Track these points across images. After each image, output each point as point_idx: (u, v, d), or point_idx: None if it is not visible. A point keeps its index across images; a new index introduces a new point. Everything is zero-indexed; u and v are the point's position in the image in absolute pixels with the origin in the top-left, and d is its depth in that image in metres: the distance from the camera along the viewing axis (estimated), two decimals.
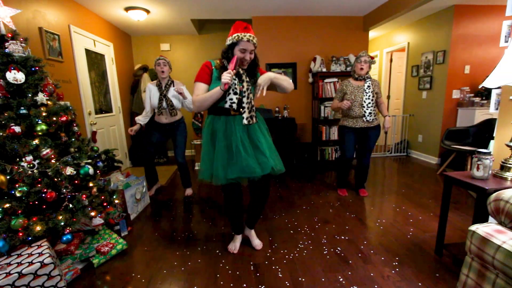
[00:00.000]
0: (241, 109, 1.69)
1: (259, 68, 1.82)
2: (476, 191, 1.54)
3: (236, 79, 1.66)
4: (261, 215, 2.04)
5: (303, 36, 4.29)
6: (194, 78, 1.75)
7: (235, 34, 1.60)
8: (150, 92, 2.84)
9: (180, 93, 2.68)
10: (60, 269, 1.56)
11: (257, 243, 2.02)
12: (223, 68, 1.68)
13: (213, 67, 1.71)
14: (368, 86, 2.69)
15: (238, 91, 1.66)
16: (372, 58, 2.72)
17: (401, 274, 1.67)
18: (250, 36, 1.59)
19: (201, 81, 1.69)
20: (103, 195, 1.98)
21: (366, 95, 2.67)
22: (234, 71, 1.56)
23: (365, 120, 2.71)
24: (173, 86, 2.83)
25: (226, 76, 1.52)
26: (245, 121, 1.68)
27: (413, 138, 4.84)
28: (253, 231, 2.06)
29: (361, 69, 2.67)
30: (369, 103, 2.67)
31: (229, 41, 1.64)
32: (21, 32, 1.82)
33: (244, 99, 1.68)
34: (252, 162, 1.66)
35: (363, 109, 2.69)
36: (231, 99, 1.65)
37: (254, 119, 1.73)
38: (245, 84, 1.68)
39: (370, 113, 2.68)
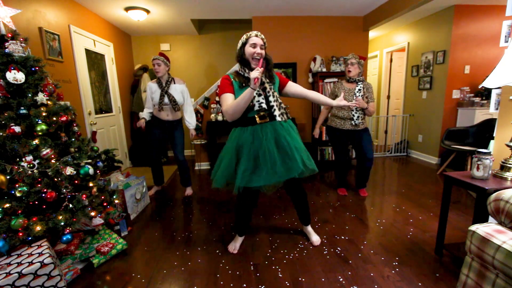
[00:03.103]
0: (271, 110, 1.70)
1: (273, 70, 1.85)
2: (476, 191, 1.54)
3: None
4: (308, 210, 2.06)
5: (303, 36, 4.29)
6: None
7: (244, 35, 1.70)
8: (150, 90, 2.85)
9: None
10: (60, 269, 1.56)
11: (314, 239, 2.05)
12: (240, 76, 1.72)
13: (232, 79, 1.73)
14: (359, 90, 2.69)
15: (261, 92, 1.69)
16: (361, 58, 2.73)
17: (401, 274, 1.67)
18: (257, 32, 1.68)
19: (227, 92, 1.68)
20: (103, 195, 1.98)
21: (356, 98, 2.67)
22: (262, 68, 1.54)
23: (352, 123, 2.73)
24: (174, 83, 2.87)
25: (255, 72, 1.49)
26: (278, 118, 1.71)
27: (413, 138, 4.84)
28: (309, 227, 2.10)
29: (349, 71, 2.70)
30: (357, 107, 2.66)
31: (239, 44, 1.72)
32: (21, 32, 1.82)
33: (271, 98, 1.70)
34: (278, 169, 1.65)
35: (351, 112, 2.71)
36: (258, 101, 1.67)
37: (285, 116, 1.75)
38: (266, 85, 1.71)
39: (358, 116, 2.70)
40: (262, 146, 1.67)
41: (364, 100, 2.69)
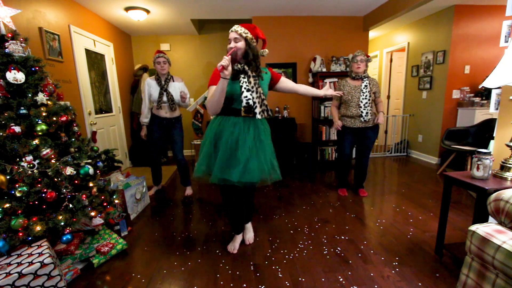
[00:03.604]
0: (254, 105, 1.68)
1: (268, 69, 1.86)
2: (476, 191, 1.54)
3: (245, 77, 1.67)
4: (252, 210, 2.13)
5: (303, 36, 4.28)
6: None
7: None
8: (149, 87, 2.84)
9: (183, 97, 2.83)
10: (60, 269, 1.56)
11: (248, 236, 2.09)
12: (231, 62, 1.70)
13: None
14: (366, 86, 2.69)
15: (249, 88, 1.67)
16: (368, 56, 2.74)
17: (401, 274, 1.67)
18: (234, 27, 1.67)
19: (213, 84, 1.67)
20: (103, 195, 1.98)
21: (363, 95, 2.68)
22: (229, 56, 1.53)
23: (362, 120, 2.71)
24: (173, 81, 2.87)
25: (222, 60, 1.49)
26: (258, 116, 1.68)
27: (413, 138, 4.84)
28: (249, 224, 2.14)
29: (358, 67, 2.69)
30: (366, 103, 2.67)
31: None
32: (21, 32, 1.82)
33: (254, 94, 1.67)
34: (254, 167, 1.66)
35: (360, 109, 2.70)
36: (245, 96, 1.65)
37: (266, 113, 1.73)
38: (252, 79, 1.68)
39: (367, 113, 2.68)
40: (241, 138, 1.67)
41: (372, 96, 2.71)
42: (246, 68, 1.68)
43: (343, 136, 2.86)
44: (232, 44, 1.65)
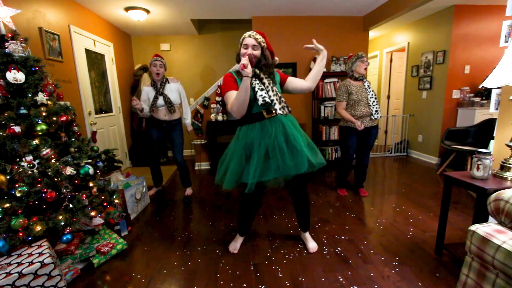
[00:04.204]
0: (273, 102, 1.68)
1: (275, 68, 1.84)
2: (476, 191, 1.54)
3: (256, 79, 1.68)
4: (308, 216, 2.00)
5: (303, 36, 4.28)
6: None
7: (242, 35, 1.71)
8: (147, 95, 2.85)
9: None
10: (60, 269, 1.56)
11: (311, 246, 1.98)
12: (240, 74, 1.70)
13: (236, 77, 1.73)
14: (368, 86, 2.74)
15: (263, 87, 1.67)
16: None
17: (401, 274, 1.67)
18: (252, 32, 1.67)
19: (230, 89, 1.67)
20: (103, 195, 1.98)
21: (370, 93, 2.70)
22: (247, 57, 1.56)
23: (372, 118, 2.71)
24: (168, 83, 2.88)
25: (242, 60, 1.52)
26: (279, 111, 1.68)
27: (413, 138, 4.84)
28: (307, 234, 2.04)
29: (365, 68, 2.72)
30: (373, 101, 2.70)
31: (239, 44, 1.74)
32: (21, 32, 1.82)
33: (270, 93, 1.68)
34: (288, 162, 1.65)
35: (369, 108, 2.69)
36: (261, 95, 1.65)
37: (286, 109, 1.73)
38: (265, 81, 1.70)
39: (376, 111, 2.70)
40: (272, 141, 1.66)
41: (374, 97, 2.73)
42: (258, 71, 1.69)
43: (349, 138, 2.81)
44: (250, 51, 1.65)
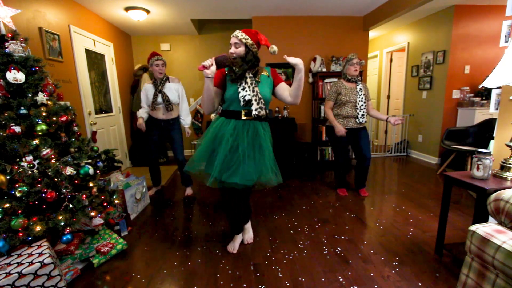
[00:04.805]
0: (251, 102, 1.68)
1: (271, 69, 1.85)
2: (476, 191, 1.54)
3: (242, 80, 1.69)
4: (248, 212, 2.07)
5: (303, 36, 4.28)
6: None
7: None
8: (146, 92, 2.86)
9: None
10: (60, 269, 1.56)
11: (247, 237, 2.09)
12: (232, 71, 1.72)
13: (226, 72, 1.74)
14: (360, 89, 2.74)
15: (245, 87, 1.68)
16: (361, 60, 2.79)
17: (401, 274, 1.67)
18: (236, 32, 1.71)
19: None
20: (103, 195, 1.98)
21: (359, 97, 2.72)
22: (213, 58, 1.62)
23: (357, 121, 2.74)
24: (169, 82, 2.88)
25: (206, 61, 1.60)
26: (254, 112, 1.68)
27: (413, 138, 4.84)
28: (247, 225, 2.13)
29: (356, 70, 2.72)
30: (362, 105, 2.72)
31: None
32: (21, 32, 1.82)
33: (250, 92, 1.68)
34: (253, 170, 1.67)
35: (356, 111, 2.73)
36: (242, 96, 1.67)
37: (263, 111, 1.72)
38: (248, 80, 1.70)
39: (362, 114, 2.72)
40: (241, 141, 1.68)
41: (363, 101, 2.73)
42: (240, 70, 1.70)
43: (336, 139, 2.84)
44: (232, 49, 1.70)
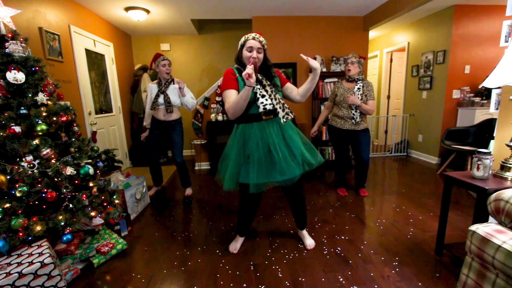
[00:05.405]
0: (276, 111, 1.68)
1: (275, 70, 1.81)
2: (476, 191, 1.54)
3: (258, 85, 1.66)
4: (305, 214, 2.03)
5: (303, 36, 4.28)
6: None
7: (243, 36, 1.68)
8: (151, 91, 2.87)
9: (180, 88, 2.79)
10: (60, 269, 1.56)
11: (308, 242, 2.01)
12: (240, 71, 1.69)
13: (237, 75, 1.70)
14: (358, 88, 2.71)
15: (265, 94, 1.66)
16: (361, 57, 2.76)
17: (401, 274, 1.67)
18: (255, 35, 1.65)
19: (229, 88, 1.65)
20: (103, 195, 1.98)
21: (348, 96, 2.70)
22: (252, 65, 1.50)
23: (353, 122, 2.73)
24: (173, 84, 2.87)
25: (247, 69, 1.46)
26: (283, 120, 1.68)
27: (413, 138, 4.84)
28: (304, 231, 2.07)
29: (349, 70, 2.73)
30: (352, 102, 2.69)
31: (239, 45, 1.72)
32: (21, 32, 1.82)
33: (274, 101, 1.67)
34: (290, 162, 1.66)
35: (351, 112, 2.72)
36: (262, 102, 1.64)
37: (290, 114, 1.72)
38: (268, 88, 1.68)
39: (360, 115, 2.72)
40: (271, 140, 1.67)
41: (363, 99, 2.69)
42: (260, 77, 1.68)
43: (336, 139, 2.88)
44: (255, 54, 1.64)
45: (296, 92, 1.82)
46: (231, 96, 1.63)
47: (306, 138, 1.85)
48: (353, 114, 2.71)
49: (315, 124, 2.94)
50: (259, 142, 1.67)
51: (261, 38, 1.66)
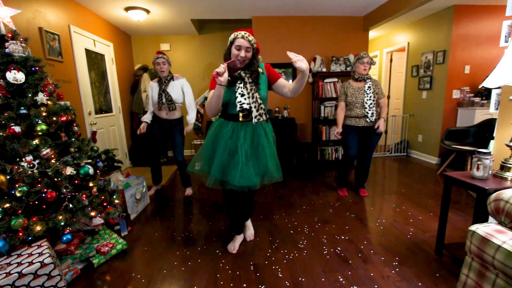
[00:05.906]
0: (250, 111, 1.68)
1: (266, 66, 1.80)
2: (476, 191, 1.54)
3: (241, 83, 1.66)
4: (251, 211, 2.17)
5: (303, 36, 4.29)
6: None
7: (232, 34, 1.66)
8: (152, 90, 2.87)
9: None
10: (60, 269, 1.56)
11: (248, 233, 2.13)
12: (229, 70, 1.65)
13: None
14: (369, 87, 2.70)
15: (244, 93, 1.65)
16: (372, 59, 2.74)
17: (401, 274, 1.67)
18: (244, 33, 1.62)
19: (212, 88, 1.65)
20: (103, 195, 1.98)
21: (367, 96, 2.68)
22: (225, 64, 1.50)
23: (368, 120, 2.71)
24: (173, 80, 2.86)
25: (220, 67, 1.46)
26: (254, 120, 1.67)
27: (413, 138, 4.84)
28: (248, 222, 2.18)
29: (365, 69, 2.68)
30: (371, 103, 2.68)
31: (228, 42, 1.68)
32: (21, 32, 1.82)
33: (250, 99, 1.66)
34: (251, 172, 1.66)
35: (365, 110, 2.70)
36: (239, 101, 1.65)
37: (263, 116, 1.71)
38: (248, 85, 1.67)
39: (372, 113, 2.69)
40: (240, 144, 1.68)
41: (375, 97, 2.70)
42: (243, 74, 1.67)
43: (348, 135, 2.83)
44: (243, 53, 1.61)
45: (287, 88, 1.77)
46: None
47: (275, 152, 1.81)
48: (367, 113, 2.69)
49: (337, 125, 2.84)
50: (228, 141, 1.69)
51: (250, 37, 1.63)
